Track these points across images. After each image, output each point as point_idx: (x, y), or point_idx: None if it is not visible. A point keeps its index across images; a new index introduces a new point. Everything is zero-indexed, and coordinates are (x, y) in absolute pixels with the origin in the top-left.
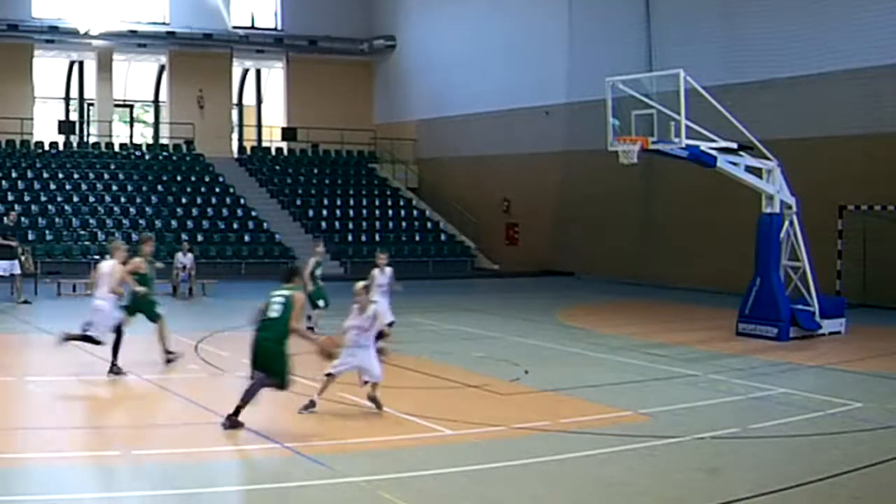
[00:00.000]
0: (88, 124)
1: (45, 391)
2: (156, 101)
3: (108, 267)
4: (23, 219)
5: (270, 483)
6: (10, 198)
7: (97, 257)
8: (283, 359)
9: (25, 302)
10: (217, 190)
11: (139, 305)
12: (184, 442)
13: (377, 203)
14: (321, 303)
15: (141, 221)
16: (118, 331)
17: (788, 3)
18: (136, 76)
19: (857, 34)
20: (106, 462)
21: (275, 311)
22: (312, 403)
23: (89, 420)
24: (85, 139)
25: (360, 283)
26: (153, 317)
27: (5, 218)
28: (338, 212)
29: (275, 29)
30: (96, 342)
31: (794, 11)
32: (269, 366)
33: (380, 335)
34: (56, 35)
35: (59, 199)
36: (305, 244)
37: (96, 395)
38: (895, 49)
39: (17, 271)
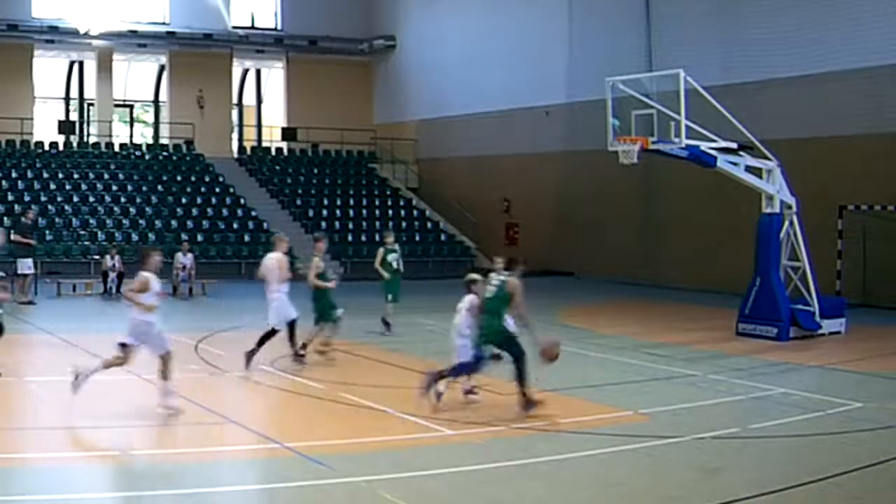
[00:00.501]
0: (88, 124)
1: (45, 391)
2: (156, 101)
3: (274, 261)
4: (22, 219)
5: (270, 483)
6: (10, 198)
7: (97, 257)
8: (500, 333)
9: (29, 303)
10: (217, 190)
11: (317, 302)
12: (184, 442)
13: (377, 203)
14: (390, 297)
15: (141, 221)
16: (292, 323)
17: (788, 3)
18: (136, 76)
19: (857, 34)
20: (106, 462)
21: (489, 293)
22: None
23: (89, 420)
24: (85, 139)
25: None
26: (326, 317)
27: (23, 217)
28: (338, 212)
29: (275, 29)
30: (274, 332)
31: (794, 11)
32: (493, 342)
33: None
34: (56, 35)
35: (59, 199)
36: (306, 244)
37: (96, 395)
38: (895, 49)
39: (31, 271)
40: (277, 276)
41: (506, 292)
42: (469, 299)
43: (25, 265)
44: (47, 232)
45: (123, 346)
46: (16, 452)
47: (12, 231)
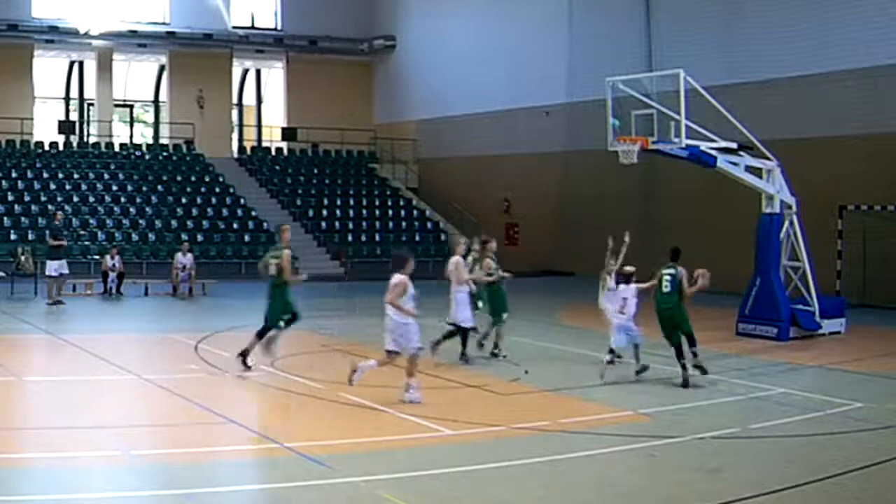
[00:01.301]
0: (88, 124)
1: (45, 391)
2: (156, 101)
3: (451, 263)
4: (23, 219)
5: (270, 483)
6: (10, 198)
7: (97, 257)
8: (685, 316)
9: (58, 303)
10: (217, 190)
11: (492, 300)
12: (184, 442)
13: (377, 203)
14: (505, 315)
15: (141, 221)
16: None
17: (788, 3)
18: (136, 76)
19: (857, 34)
20: (106, 462)
21: (667, 287)
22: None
23: (89, 420)
24: (85, 139)
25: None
26: (497, 318)
27: (53, 219)
28: (338, 212)
29: (275, 29)
30: (463, 330)
31: (794, 11)
32: (679, 326)
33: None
34: (56, 35)
35: (59, 199)
36: (306, 244)
37: (96, 395)
38: (895, 49)
39: (66, 271)
40: (456, 277)
41: (679, 280)
42: (633, 288)
43: (53, 267)
44: (47, 232)
45: (390, 353)
46: (16, 452)
47: (47, 234)
